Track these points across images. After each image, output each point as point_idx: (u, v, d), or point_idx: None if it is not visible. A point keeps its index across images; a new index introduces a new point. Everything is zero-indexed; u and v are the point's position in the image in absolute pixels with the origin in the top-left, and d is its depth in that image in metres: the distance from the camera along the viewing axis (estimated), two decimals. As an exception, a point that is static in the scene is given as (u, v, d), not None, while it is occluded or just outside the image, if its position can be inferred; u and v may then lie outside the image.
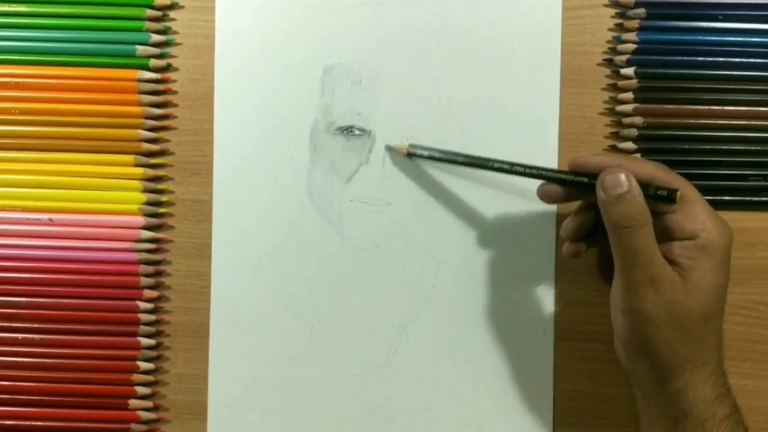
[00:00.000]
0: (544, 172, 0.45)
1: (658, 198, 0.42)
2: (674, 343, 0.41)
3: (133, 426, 0.51)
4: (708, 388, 0.41)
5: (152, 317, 0.51)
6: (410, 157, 0.49)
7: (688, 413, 0.41)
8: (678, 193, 0.42)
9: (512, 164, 0.46)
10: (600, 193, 0.42)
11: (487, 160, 0.47)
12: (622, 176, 0.41)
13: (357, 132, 0.51)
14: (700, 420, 0.41)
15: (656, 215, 0.42)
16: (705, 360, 0.42)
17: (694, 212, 0.42)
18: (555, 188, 0.46)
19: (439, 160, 0.49)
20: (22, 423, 0.51)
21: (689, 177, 0.50)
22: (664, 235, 0.42)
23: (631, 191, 0.41)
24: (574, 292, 0.51)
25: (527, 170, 0.46)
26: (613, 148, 0.51)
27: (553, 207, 0.51)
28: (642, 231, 0.41)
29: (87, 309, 0.51)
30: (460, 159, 0.48)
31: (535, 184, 0.47)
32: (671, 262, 0.42)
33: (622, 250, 0.41)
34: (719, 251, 0.41)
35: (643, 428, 0.45)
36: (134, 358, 0.51)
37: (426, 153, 0.50)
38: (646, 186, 0.42)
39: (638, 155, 0.51)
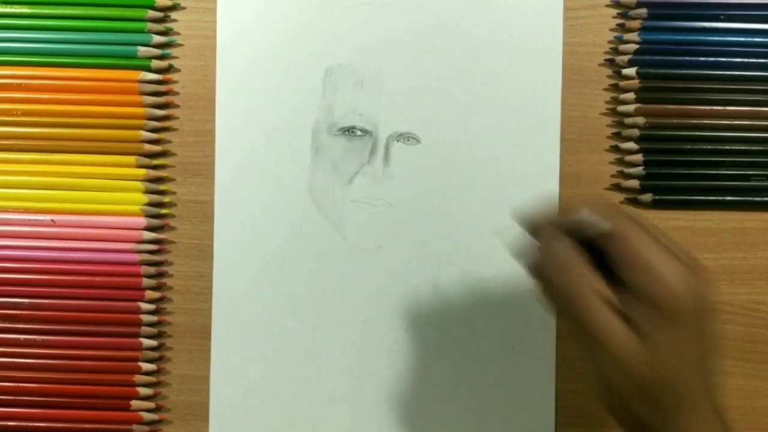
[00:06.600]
0: None
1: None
2: (643, 416, 0.35)
3: (135, 427, 0.51)
4: None
5: (154, 318, 0.51)
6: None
7: None
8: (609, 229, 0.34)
9: None
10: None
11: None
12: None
13: (358, 132, 0.51)
14: None
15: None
16: (680, 427, 0.35)
17: (645, 264, 0.34)
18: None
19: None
20: (24, 424, 0.51)
21: (691, 177, 0.51)
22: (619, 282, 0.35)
23: (567, 264, 0.36)
24: (575, 293, 0.51)
25: None
26: (615, 149, 0.51)
27: (554, 206, 0.51)
28: (586, 302, 0.35)
29: (89, 310, 0.51)
30: None
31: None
32: (628, 320, 0.35)
33: (572, 322, 0.36)
34: (687, 314, 0.34)
35: None
36: (136, 359, 0.51)
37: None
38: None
39: (637, 157, 0.51)
